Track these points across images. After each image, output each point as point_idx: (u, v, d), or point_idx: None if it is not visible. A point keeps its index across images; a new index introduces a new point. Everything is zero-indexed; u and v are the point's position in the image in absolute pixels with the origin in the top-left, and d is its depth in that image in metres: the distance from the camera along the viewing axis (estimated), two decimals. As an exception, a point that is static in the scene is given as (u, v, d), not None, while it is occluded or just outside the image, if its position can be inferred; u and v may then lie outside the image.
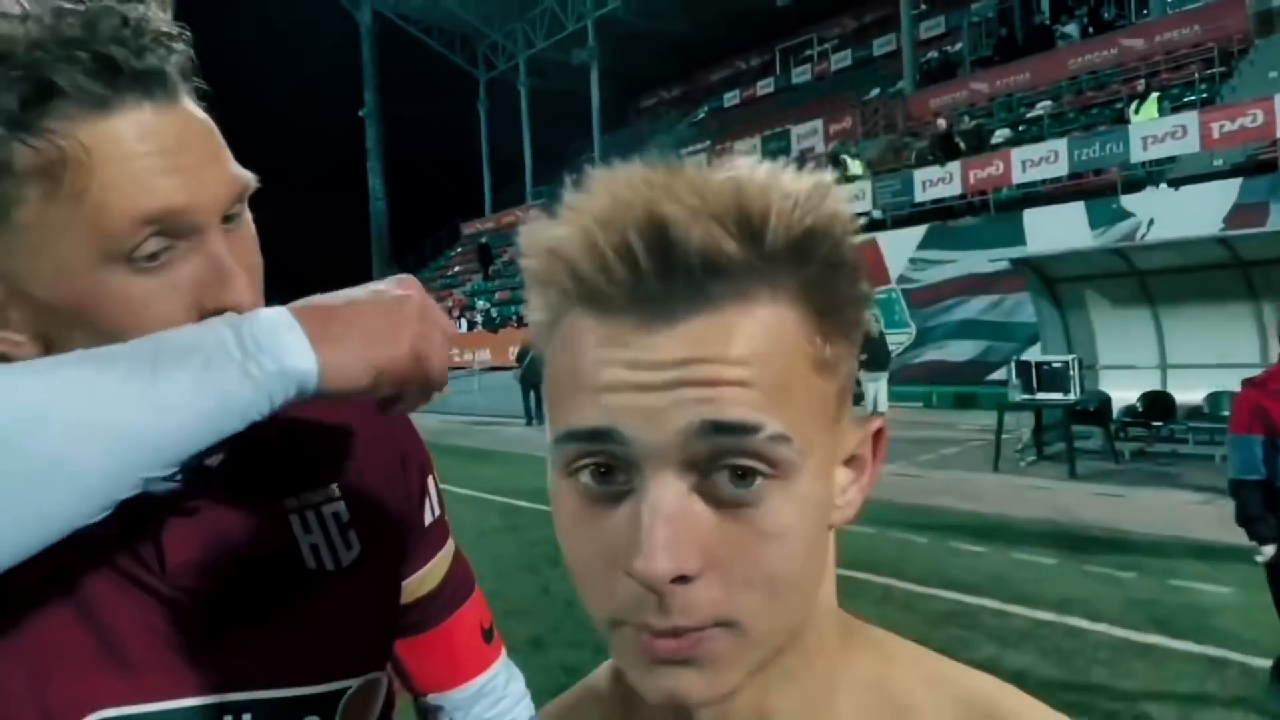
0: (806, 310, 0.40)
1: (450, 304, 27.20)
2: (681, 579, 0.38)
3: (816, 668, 0.47)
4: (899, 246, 14.99)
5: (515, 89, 33.60)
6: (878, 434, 0.47)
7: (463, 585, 0.92)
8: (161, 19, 0.58)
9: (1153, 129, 13.22)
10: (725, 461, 0.39)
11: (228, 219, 0.62)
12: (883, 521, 6.78)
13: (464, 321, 23.73)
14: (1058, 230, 12.50)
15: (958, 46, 23.22)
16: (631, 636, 0.40)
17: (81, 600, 0.62)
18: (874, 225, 16.37)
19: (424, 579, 0.86)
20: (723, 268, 0.39)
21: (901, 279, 14.85)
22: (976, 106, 19.75)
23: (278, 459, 0.72)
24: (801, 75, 30.95)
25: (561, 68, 31.89)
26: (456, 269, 31.85)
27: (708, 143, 29.24)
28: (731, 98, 33.00)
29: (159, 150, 0.57)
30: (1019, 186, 14.76)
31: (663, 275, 0.38)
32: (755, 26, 31.05)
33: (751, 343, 0.39)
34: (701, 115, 34.05)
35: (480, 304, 24.77)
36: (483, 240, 30.17)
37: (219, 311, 0.59)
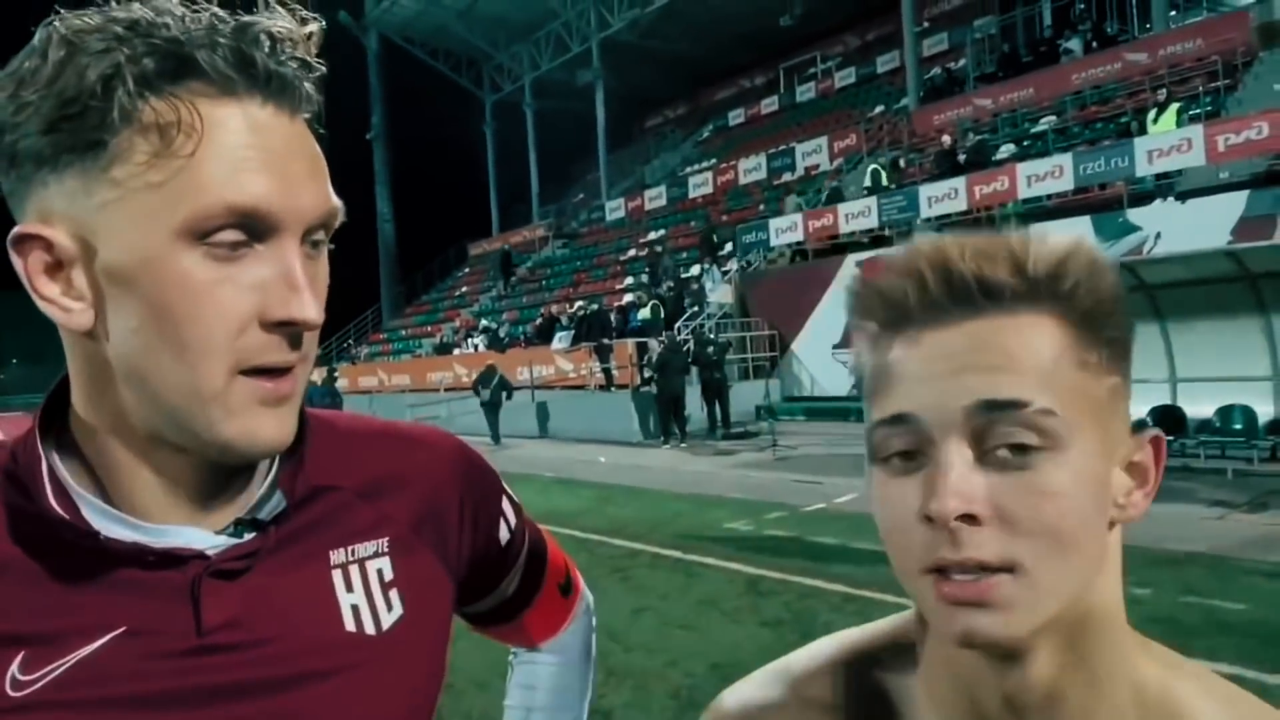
0: (1066, 322, 0.52)
1: (458, 324, 27.26)
2: (968, 518, 0.49)
3: (1106, 659, 0.55)
4: (905, 262, 14.98)
5: (521, 110, 33.80)
6: (1156, 442, 0.55)
7: (540, 559, 0.94)
8: (304, 48, 0.61)
9: (1158, 143, 13.22)
10: (1002, 438, 0.50)
11: (314, 244, 0.62)
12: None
13: (472, 342, 23.77)
14: (1065, 245, 12.49)
15: (961, 63, 23.28)
16: (932, 586, 0.51)
17: (111, 668, 0.61)
18: (879, 241, 16.39)
19: (507, 585, 0.89)
20: (994, 289, 0.52)
21: (908, 295, 14.86)
22: (981, 122, 19.78)
23: (331, 507, 0.71)
24: (806, 93, 31.07)
25: (566, 88, 32.09)
26: (464, 289, 31.92)
27: (713, 161, 29.36)
28: (736, 116, 33.13)
29: (266, 148, 0.58)
30: (1024, 201, 14.77)
31: (946, 294, 0.52)
32: (759, 45, 31.23)
33: (1019, 339, 0.51)
34: (706, 134, 34.18)
35: (486, 323, 24.81)
36: (505, 248, 30.16)
37: (284, 323, 0.59)
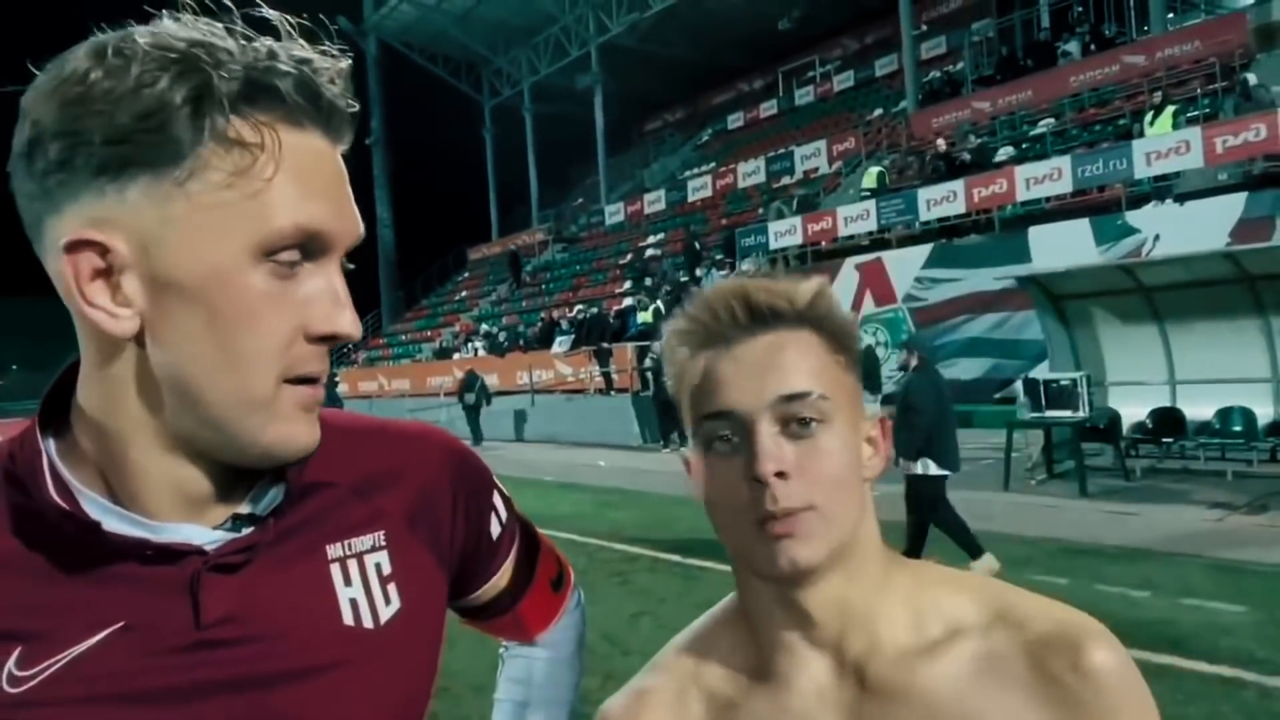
0: (822, 336, 0.75)
1: (458, 329, 27.28)
2: (780, 475, 0.70)
3: (874, 572, 0.77)
4: (904, 265, 15.02)
5: (520, 114, 33.86)
6: (883, 423, 0.79)
7: (532, 554, 0.96)
8: (346, 83, 0.65)
9: (1156, 145, 13.23)
10: (794, 416, 0.71)
11: (341, 265, 0.66)
12: (892, 540, 6.74)
13: (472, 346, 23.79)
14: (1063, 247, 12.51)
15: (959, 66, 23.32)
16: (759, 530, 0.70)
17: (109, 667, 0.61)
18: (879, 244, 16.41)
19: (498, 580, 0.91)
20: (779, 313, 0.74)
21: (908, 298, 14.87)
22: (979, 125, 19.81)
23: (327, 503, 0.72)
24: (804, 96, 31.12)
25: (565, 93, 32.14)
26: (464, 294, 31.95)
27: (712, 165, 29.40)
28: (735, 120, 33.19)
29: (326, 175, 0.63)
30: (1023, 204, 14.78)
31: (749, 317, 0.74)
32: (757, 49, 31.30)
33: (798, 349, 0.74)
34: (705, 138, 34.23)
35: (486, 328, 24.83)
36: (514, 249, 30.18)
37: (326, 337, 0.63)
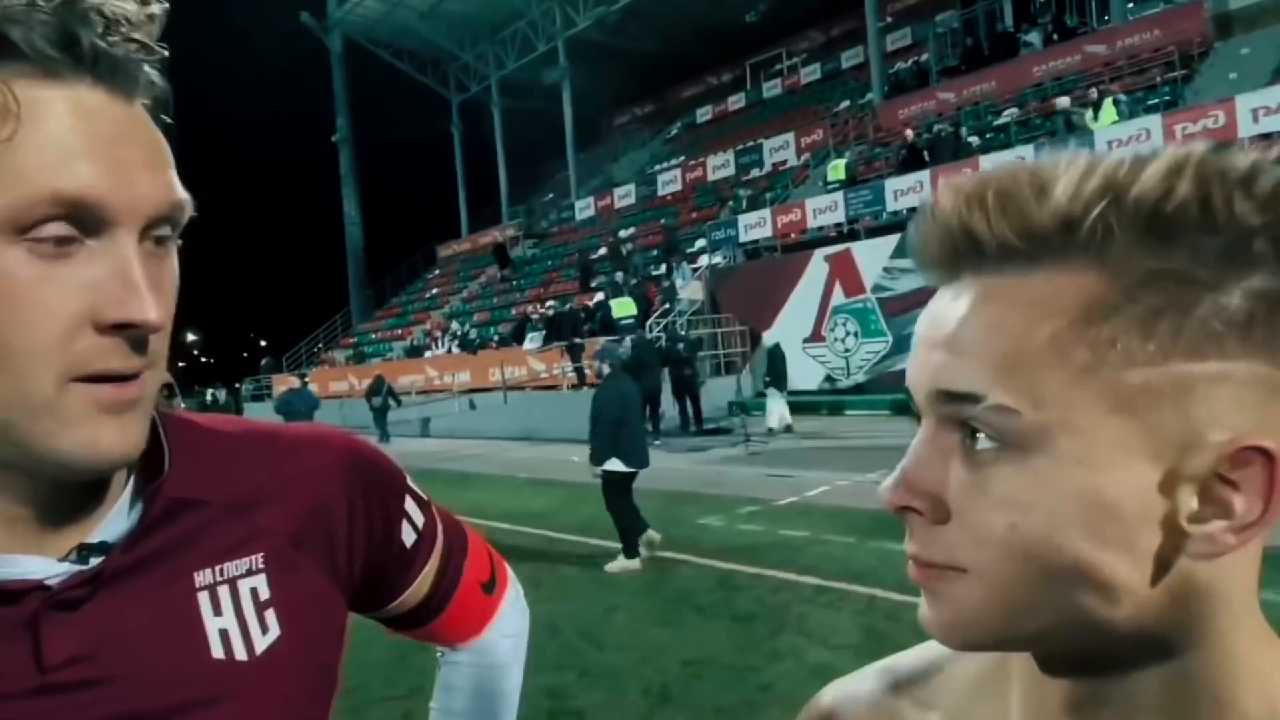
0: (1102, 278, 0.43)
1: (429, 326, 27.12)
2: (906, 509, 0.46)
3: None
4: (873, 256, 15.14)
5: (488, 110, 33.67)
6: (1237, 457, 0.40)
7: (456, 559, 0.89)
8: (144, 29, 0.55)
9: (1117, 132, 13.42)
10: (960, 418, 0.45)
11: (157, 240, 0.57)
12: (861, 531, 6.80)
13: (442, 343, 23.66)
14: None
15: (924, 57, 23.52)
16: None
17: None
18: (847, 235, 16.51)
19: (417, 589, 0.84)
20: (982, 244, 0.45)
21: (876, 288, 15.00)
22: (944, 115, 19.99)
23: (195, 524, 0.65)
24: (772, 89, 31.23)
25: (534, 88, 32.00)
26: (434, 291, 31.75)
27: (681, 159, 29.41)
28: (704, 113, 33.23)
29: (93, 134, 0.53)
30: (990, 193, 14.92)
31: (939, 247, 0.46)
32: (725, 42, 31.34)
33: (999, 310, 0.44)
34: (675, 131, 34.25)
35: (456, 326, 24.71)
36: (501, 240, 29.94)
37: (119, 325, 0.53)
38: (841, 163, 18.54)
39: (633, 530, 6.68)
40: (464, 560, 0.90)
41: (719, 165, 25.76)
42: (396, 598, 0.83)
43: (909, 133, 17.54)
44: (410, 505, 0.81)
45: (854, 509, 7.63)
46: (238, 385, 31.90)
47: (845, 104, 25.21)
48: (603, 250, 23.75)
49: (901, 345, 14.34)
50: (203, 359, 76.21)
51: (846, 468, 9.75)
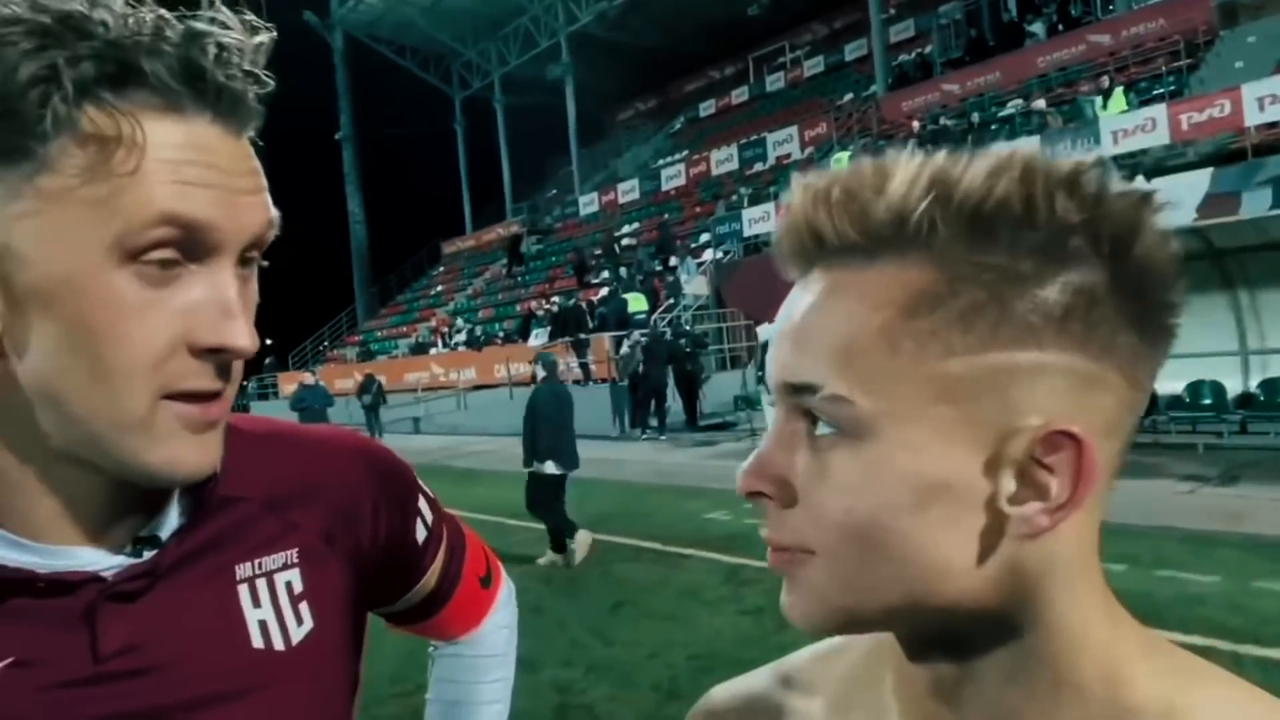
0: (926, 271, 0.45)
1: (434, 323, 27.12)
2: (756, 495, 0.49)
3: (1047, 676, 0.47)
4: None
5: (491, 106, 33.63)
6: (1049, 440, 0.42)
7: (458, 554, 0.92)
8: (254, 60, 0.58)
9: (1123, 123, 13.37)
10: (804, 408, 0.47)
11: (245, 262, 0.59)
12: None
13: (445, 340, 23.67)
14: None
15: (928, 49, 23.43)
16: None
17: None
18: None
19: (425, 584, 0.88)
20: (824, 240, 0.47)
21: (881, 281, 14.95)
22: (949, 107, 19.92)
23: (236, 519, 0.68)
24: (775, 83, 31.15)
25: (536, 84, 31.94)
26: (439, 288, 31.75)
27: (685, 153, 29.36)
28: (707, 107, 33.16)
29: (210, 165, 0.55)
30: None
31: (791, 242, 0.48)
32: (727, 36, 31.26)
33: (835, 304, 0.46)
34: (678, 126, 34.19)
35: (461, 323, 24.72)
36: (518, 233, 29.85)
37: (215, 350, 0.56)
38: (845, 155, 18.49)
39: (562, 530, 6.82)
40: (464, 556, 0.93)
41: (723, 159, 25.69)
42: (406, 593, 0.86)
43: (914, 124, 17.48)
44: (422, 504, 0.85)
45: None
46: (244, 383, 31.88)
47: (849, 97, 25.13)
48: (602, 248, 23.77)
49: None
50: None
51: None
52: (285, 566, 0.70)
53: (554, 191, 34.63)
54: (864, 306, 0.44)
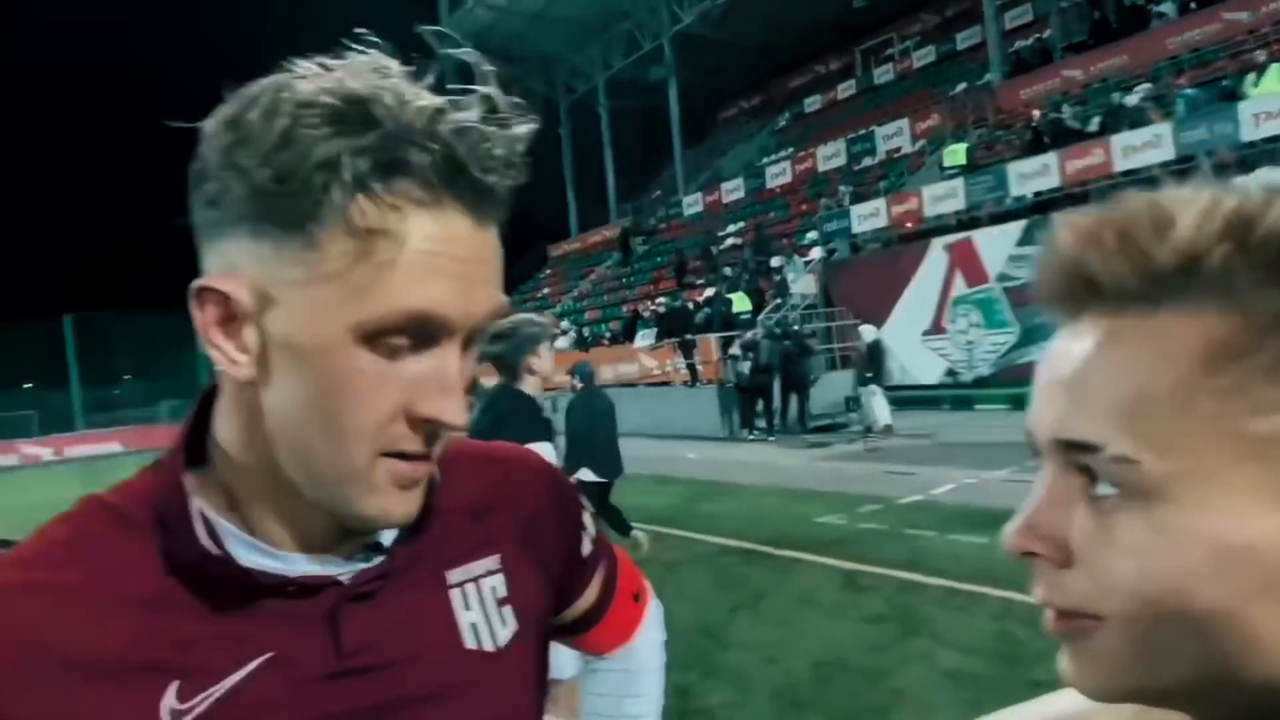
0: (1221, 322, 0.42)
1: (542, 325, 27.54)
2: (1031, 554, 0.45)
3: None
4: (997, 244, 14.55)
5: (595, 111, 33.99)
6: None
7: (614, 569, 0.96)
8: (514, 149, 0.60)
9: (1264, 105, 12.50)
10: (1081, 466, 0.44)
11: (469, 341, 0.62)
12: (992, 531, 6.53)
13: (557, 344, 24.04)
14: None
15: (1047, 34, 22.45)
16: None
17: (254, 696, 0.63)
18: (967, 224, 15.93)
19: (587, 597, 0.91)
20: (1099, 285, 0.43)
21: (1002, 277, 14.41)
22: (1070, 94, 19.04)
23: (445, 529, 0.73)
24: (884, 75, 30.43)
25: (639, 86, 32.11)
26: (546, 290, 32.31)
27: (791, 150, 29.01)
28: (812, 103, 32.66)
29: (455, 257, 0.58)
30: (1122, 174, 14.14)
31: (1056, 285, 0.46)
32: (833, 30, 30.70)
33: (1113, 356, 0.43)
34: (783, 123, 33.80)
35: (567, 324, 25.07)
36: (625, 227, 30.26)
37: (427, 420, 0.60)
38: (961, 148, 17.93)
39: (621, 528, 7.04)
40: (618, 571, 0.97)
41: (830, 155, 25.26)
42: (571, 605, 0.90)
43: (1034, 113, 16.78)
44: (586, 519, 0.89)
45: (983, 508, 7.35)
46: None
47: (962, 86, 24.32)
48: (701, 251, 23.72)
49: (1030, 336, 13.74)
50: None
51: (972, 464, 9.41)
52: (489, 573, 0.75)
53: (658, 193, 34.73)
54: (1152, 359, 0.40)
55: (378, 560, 0.68)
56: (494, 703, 0.72)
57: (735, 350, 14.87)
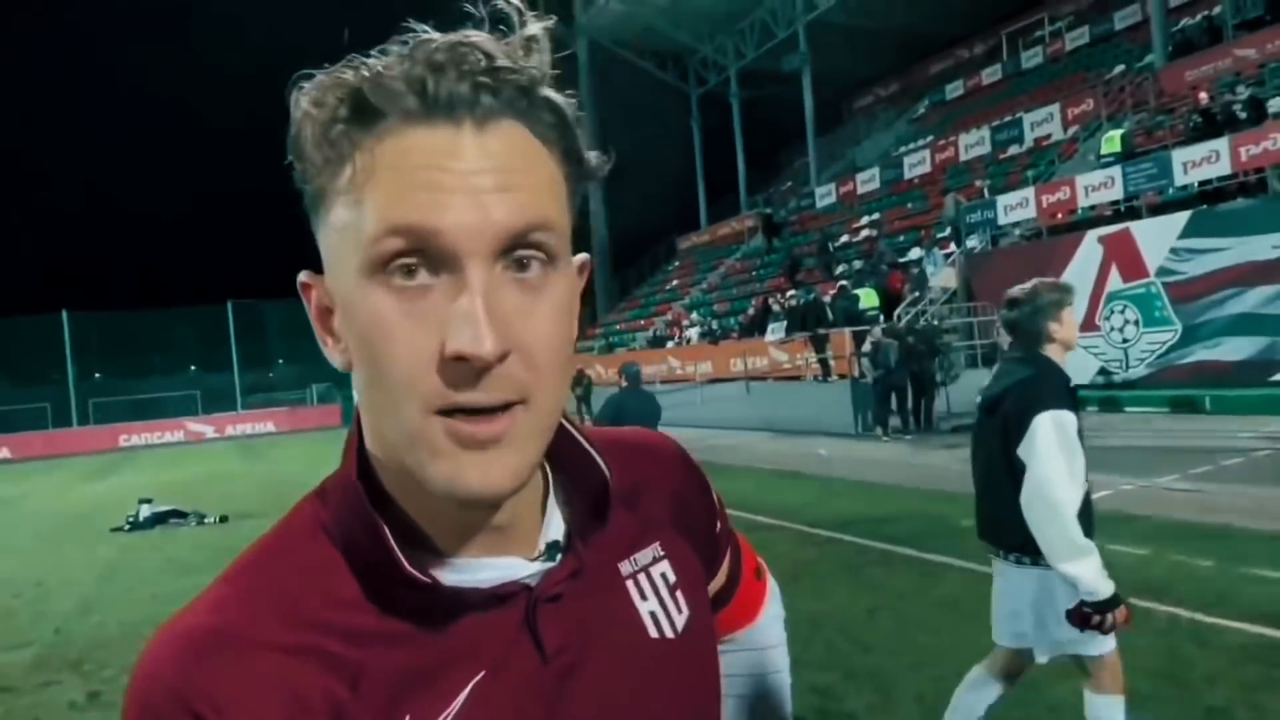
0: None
1: (670, 317, 27.68)
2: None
3: None
4: (1157, 236, 13.63)
5: (726, 101, 33.78)
6: None
7: (738, 550, 0.96)
8: (516, 56, 0.57)
9: None
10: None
11: (520, 262, 0.57)
12: (1154, 541, 6.13)
13: (685, 336, 24.06)
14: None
15: (1216, 10, 20.84)
16: None
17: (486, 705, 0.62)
18: (1125, 214, 14.99)
19: (720, 576, 0.91)
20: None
21: (1162, 271, 13.49)
22: (1244, 74, 17.62)
23: (610, 521, 0.71)
24: (1033, 58, 28.98)
25: (772, 76, 31.71)
26: (675, 283, 32.39)
27: (930, 138, 28.03)
28: (954, 89, 31.46)
29: (441, 168, 0.55)
30: (1303, 161, 13.00)
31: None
32: (976, 12, 29.51)
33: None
34: (921, 110, 32.71)
35: (696, 316, 25.05)
36: (767, 211, 30.20)
37: (460, 358, 0.54)
38: (1118, 134, 16.88)
39: None
40: (740, 549, 0.97)
41: (973, 143, 24.26)
42: (710, 580, 0.88)
43: (1203, 96, 15.63)
44: (715, 499, 0.88)
45: (1143, 516, 6.90)
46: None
47: (1119, 69, 22.91)
48: (817, 248, 23.26)
49: (1192, 335, 12.81)
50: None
51: (1130, 470, 8.84)
52: (655, 560, 0.74)
53: (789, 184, 34.23)
54: None
55: (559, 560, 0.66)
56: (688, 690, 0.71)
57: (867, 346, 14.51)
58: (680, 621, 0.73)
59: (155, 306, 36.70)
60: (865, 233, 23.86)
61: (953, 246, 18.38)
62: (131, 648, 5.86)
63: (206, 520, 11.22)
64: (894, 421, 14.25)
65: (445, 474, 0.56)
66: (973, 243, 17.96)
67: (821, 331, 16.91)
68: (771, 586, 1.04)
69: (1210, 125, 14.78)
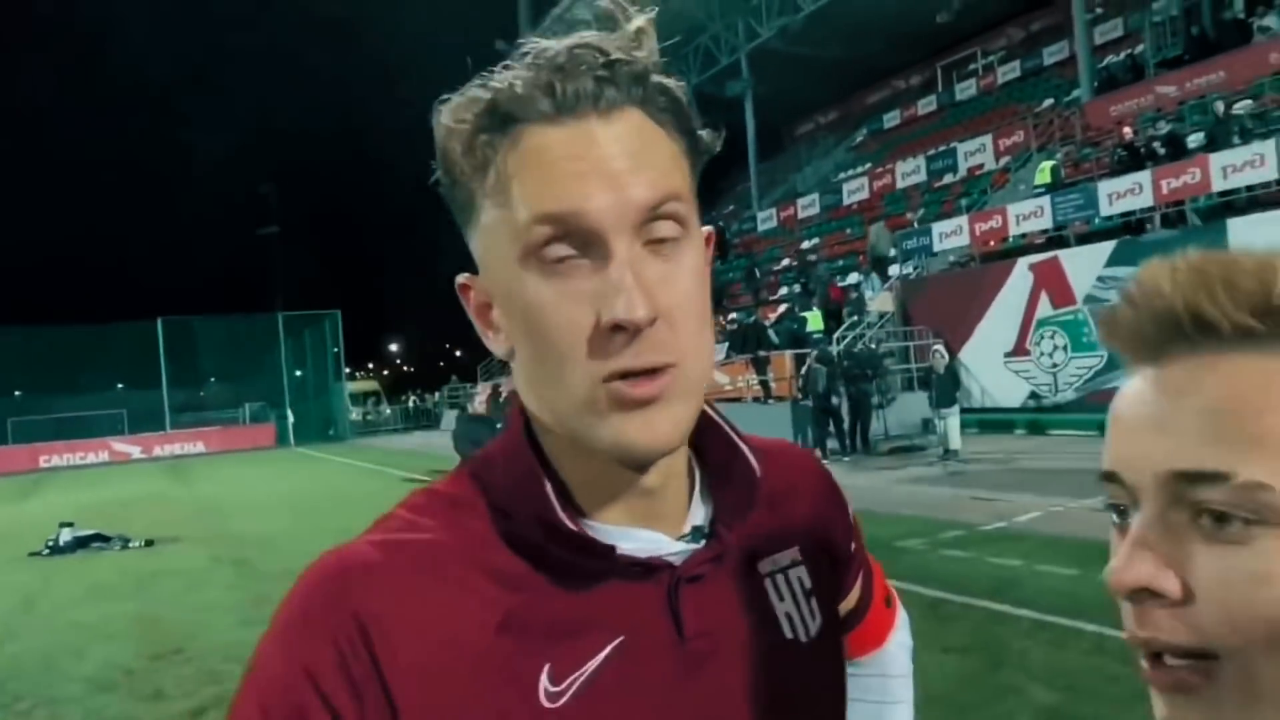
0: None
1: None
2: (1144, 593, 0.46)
3: None
4: (1085, 264, 14.12)
5: (671, 125, 34.07)
6: None
7: (870, 573, 0.95)
8: (626, 47, 0.63)
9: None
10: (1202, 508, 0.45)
11: (658, 240, 0.62)
12: (1082, 562, 6.28)
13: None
14: (1269, 240, 11.36)
15: (1139, 49, 21.76)
16: None
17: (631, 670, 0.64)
18: (1054, 243, 15.49)
19: (851, 596, 0.90)
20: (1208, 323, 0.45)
21: (1089, 299, 13.96)
22: (1164, 111, 18.40)
23: (754, 519, 0.72)
24: (966, 90, 29.87)
25: (714, 100, 32.08)
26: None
27: (868, 165, 28.65)
28: (891, 118, 32.24)
29: (579, 157, 0.60)
30: (1220, 194, 13.60)
31: (1154, 326, 0.48)
32: (913, 45, 30.29)
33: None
34: (860, 138, 33.42)
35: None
36: (720, 224, 30.20)
37: (617, 326, 0.58)
38: (1049, 164, 17.46)
39: None
40: (873, 573, 0.96)
41: (909, 171, 24.87)
42: (844, 599, 0.88)
43: (1126, 131, 16.26)
44: (854, 518, 0.88)
45: (1071, 538, 7.09)
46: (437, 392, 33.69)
47: (1048, 103, 23.74)
48: (796, 264, 23.50)
49: (1118, 361, 13.16)
50: (405, 368, 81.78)
51: (1058, 491, 9.09)
52: (793, 564, 0.76)
53: (731, 208, 34.63)
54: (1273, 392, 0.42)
55: (704, 543, 0.68)
56: (816, 696, 0.72)
57: (805, 369, 14.70)
58: (814, 628, 0.74)
59: (82, 322, 35.49)
60: (811, 257, 24.25)
61: (891, 271, 18.76)
62: (50, 678, 5.59)
63: (131, 545, 10.82)
64: (831, 444, 14.44)
65: (612, 433, 0.60)
66: (906, 270, 18.37)
67: (762, 354, 17.08)
68: (901, 615, 1.03)
69: (1134, 158, 15.38)
